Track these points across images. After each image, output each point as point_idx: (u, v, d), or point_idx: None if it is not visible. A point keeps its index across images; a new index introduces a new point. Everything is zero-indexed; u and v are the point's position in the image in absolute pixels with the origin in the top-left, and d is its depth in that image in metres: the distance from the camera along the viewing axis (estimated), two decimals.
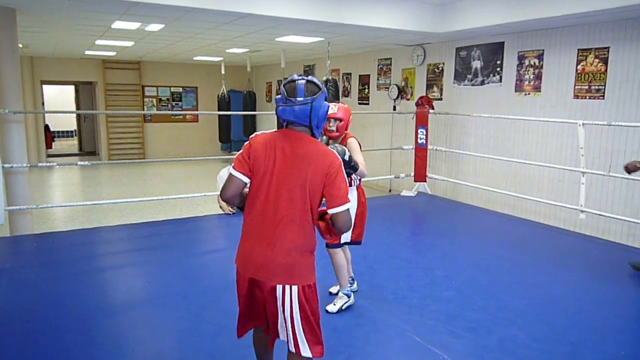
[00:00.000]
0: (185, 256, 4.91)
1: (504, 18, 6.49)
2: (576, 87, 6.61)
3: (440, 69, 8.84)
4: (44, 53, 12.48)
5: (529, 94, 7.27)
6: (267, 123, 13.73)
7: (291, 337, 2.22)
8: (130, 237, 5.74)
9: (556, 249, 5.32)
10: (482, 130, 8.06)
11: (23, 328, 3.33)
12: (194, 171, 12.77)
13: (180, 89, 15.54)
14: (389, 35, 7.95)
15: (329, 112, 3.44)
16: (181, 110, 15.54)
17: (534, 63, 7.16)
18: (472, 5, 6.88)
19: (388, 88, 10.06)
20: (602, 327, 3.53)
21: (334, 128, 3.53)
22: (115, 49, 11.15)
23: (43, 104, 14.53)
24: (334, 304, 3.53)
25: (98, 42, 9.73)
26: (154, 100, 15.18)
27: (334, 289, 3.87)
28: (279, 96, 2.25)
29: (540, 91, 7.11)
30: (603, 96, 6.27)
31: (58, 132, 20.10)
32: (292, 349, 2.25)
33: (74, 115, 18.65)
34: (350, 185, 3.52)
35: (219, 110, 12.46)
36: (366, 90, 10.86)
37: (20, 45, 9.50)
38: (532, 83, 7.21)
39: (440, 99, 8.81)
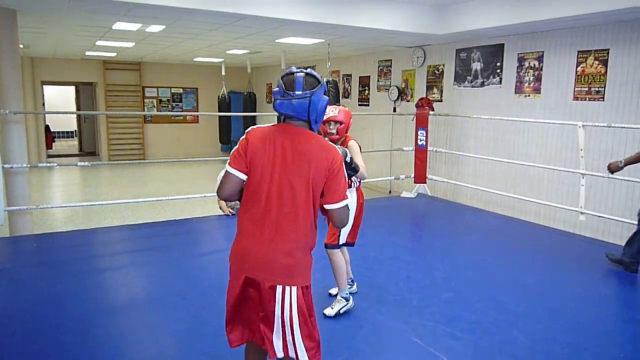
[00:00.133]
0: (184, 257, 4.91)
1: (504, 20, 6.50)
2: (576, 88, 6.62)
3: (441, 70, 8.85)
4: (45, 54, 12.50)
5: (528, 95, 7.28)
6: (265, 121, 13.72)
7: (290, 342, 2.14)
8: (130, 237, 5.74)
9: (556, 251, 5.32)
10: (482, 131, 8.06)
11: (23, 328, 3.33)
12: (194, 172, 12.78)
13: (181, 90, 15.56)
14: (389, 37, 7.96)
15: (329, 115, 3.42)
16: (181, 111, 15.55)
17: (534, 65, 7.16)
18: (472, 7, 6.89)
19: (388, 89, 10.07)
20: (601, 329, 3.53)
21: (334, 131, 3.49)
22: (115, 49, 11.16)
23: (43, 104, 14.54)
24: (332, 308, 3.49)
25: (99, 42, 9.75)
26: (155, 101, 15.19)
27: (333, 290, 3.87)
28: (277, 89, 2.16)
29: (540, 93, 7.11)
30: (603, 98, 6.28)
31: (58, 132, 20.10)
32: (291, 355, 2.16)
33: (75, 115, 18.66)
34: (350, 186, 3.51)
35: (219, 111, 12.48)
36: (366, 92, 10.87)
37: (21, 46, 9.51)
38: (532, 85, 7.22)
39: (440, 101, 8.82)
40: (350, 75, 11.40)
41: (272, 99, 2.20)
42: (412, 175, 7.99)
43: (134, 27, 7.53)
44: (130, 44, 9.98)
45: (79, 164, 6.43)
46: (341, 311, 3.48)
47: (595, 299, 4.17)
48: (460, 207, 7.58)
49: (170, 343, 3.22)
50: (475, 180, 8.10)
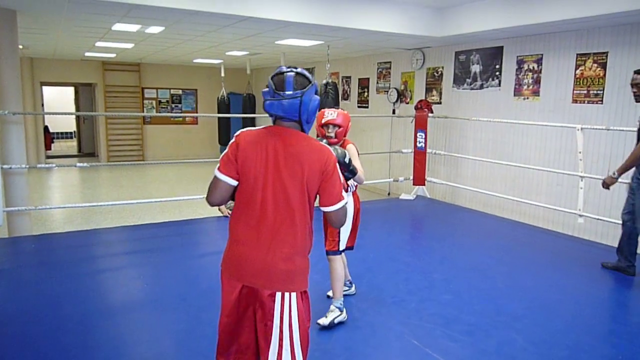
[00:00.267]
0: (184, 258, 4.91)
1: (503, 23, 6.51)
2: (575, 91, 6.63)
3: (440, 72, 8.86)
4: (44, 54, 12.49)
5: (527, 98, 7.29)
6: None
7: (288, 350, 2.05)
8: (129, 239, 5.75)
9: (554, 253, 5.33)
10: (481, 134, 8.07)
11: (22, 329, 3.33)
12: (193, 173, 12.77)
13: (180, 91, 15.55)
14: (388, 39, 7.97)
15: (328, 118, 3.39)
16: (181, 113, 15.55)
17: (533, 67, 7.18)
18: (471, 9, 6.90)
19: (387, 92, 10.08)
20: (600, 331, 3.54)
21: (332, 134, 3.44)
22: (115, 50, 11.16)
23: (43, 105, 14.53)
24: (326, 317, 3.39)
25: (98, 44, 9.75)
26: (154, 102, 15.19)
27: (332, 293, 3.87)
28: (267, 89, 2.09)
29: (539, 95, 7.12)
30: (601, 101, 6.29)
31: (57, 133, 20.10)
32: None
33: (74, 116, 18.66)
34: (347, 191, 3.48)
35: (218, 112, 12.47)
36: (365, 94, 10.88)
37: (20, 47, 9.51)
38: (531, 87, 7.23)
39: (440, 103, 8.83)
40: (350, 77, 11.41)
41: (262, 100, 2.12)
42: (411, 177, 8.00)
43: (133, 28, 7.53)
44: (129, 45, 9.98)
45: (78, 164, 6.43)
46: (335, 321, 3.38)
47: (593, 300, 4.18)
48: (459, 209, 7.59)
49: (169, 344, 3.22)
50: (474, 183, 8.11)
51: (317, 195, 2.11)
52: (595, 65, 6.37)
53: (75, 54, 12.26)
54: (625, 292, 4.34)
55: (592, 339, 3.39)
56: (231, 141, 2.11)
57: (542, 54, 7.05)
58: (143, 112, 14.91)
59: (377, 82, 10.48)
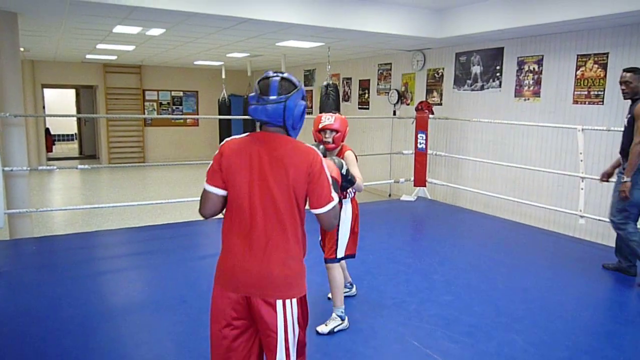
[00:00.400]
0: (184, 260, 4.91)
1: (503, 24, 6.51)
2: (575, 92, 6.63)
3: (440, 74, 8.87)
4: (45, 57, 12.52)
5: (528, 99, 7.29)
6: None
7: (293, 356, 2.03)
8: (129, 240, 5.75)
9: (555, 254, 5.32)
10: (482, 135, 8.07)
11: (22, 331, 3.34)
12: (194, 175, 12.77)
13: (181, 93, 15.57)
14: (388, 40, 7.97)
15: (325, 123, 3.30)
16: (182, 115, 15.57)
17: (534, 68, 7.18)
18: (471, 10, 6.90)
19: (388, 93, 10.08)
20: (600, 332, 3.54)
21: (330, 139, 3.34)
22: (116, 53, 11.18)
23: (44, 107, 14.54)
24: (326, 325, 3.35)
25: (99, 46, 9.77)
26: (155, 104, 15.21)
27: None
28: (253, 94, 2.05)
29: (539, 96, 7.12)
30: (602, 101, 6.29)
31: (58, 135, 20.11)
32: None
33: (75, 118, 18.69)
34: (345, 197, 3.43)
35: (219, 114, 12.48)
36: (366, 95, 10.88)
37: (22, 49, 9.54)
38: (531, 88, 7.23)
39: (440, 104, 8.83)
40: (350, 78, 11.42)
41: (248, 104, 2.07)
42: (412, 178, 8.00)
43: (134, 30, 7.55)
44: (130, 47, 10.00)
45: (79, 166, 6.44)
46: (335, 330, 3.34)
47: (594, 301, 4.18)
48: (460, 211, 7.59)
49: (169, 346, 3.22)
50: (474, 184, 8.11)
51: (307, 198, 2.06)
52: (596, 66, 6.36)
53: (76, 56, 12.29)
54: (626, 293, 4.33)
55: (592, 340, 3.38)
56: (216, 152, 2.08)
57: (542, 55, 7.05)
58: (144, 114, 14.93)
59: (378, 84, 10.49)
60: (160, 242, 5.59)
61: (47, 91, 15.34)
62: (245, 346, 2.06)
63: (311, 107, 13.01)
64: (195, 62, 13.27)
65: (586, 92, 6.49)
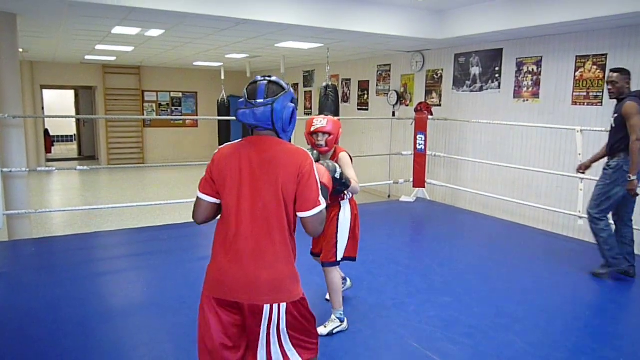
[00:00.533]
0: (184, 261, 4.91)
1: (502, 25, 6.52)
2: (574, 93, 6.63)
3: (439, 75, 8.87)
4: (44, 58, 12.51)
5: (527, 100, 7.29)
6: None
7: (278, 353, 2.02)
8: (129, 242, 5.75)
9: (554, 255, 5.32)
10: (481, 136, 8.08)
11: (21, 332, 3.33)
12: (194, 176, 12.73)
13: (180, 94, 15.58)
14: (388, 41, 7.98)
15: (317, 126, 3.22)
16: (181, 115, 15.57)
17: (533, 69, 7.18)
18: (470, 12, 6.91)
19: (387, 94, 10.09)
20: (600, 333, 3.54)
21: (322, 142, 3.26)
22: (115, 54, 11.18)
23: (43, 108, 14.54)
24: (325, 327, 3.32)
25: (98, 47, 9.76)
26: (154, 105, 15.21)
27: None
28: (242, 99, 2.05)
29: (538, 97, 7.13)
30: (601, 102, 6.30)
31: (58, 136, 20.12)
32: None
33: (74, 119, 18.68)
34: (343, 199, 3.39)
35: (218, 115, 12.49)
36: (365, 96, 10.89)
37: (21, 50, 9.52)
38: (530, 89, 7.24)
39: (439, 105, 8.84)
40: (350, 79, 11.42)
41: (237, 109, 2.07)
42: (411, 179, 8.00)
43: (133, 31, 7.55)
44: (129, 48, 10.00)
45: (78, 168, 6.44)
46: (334, 331, 3.32)
47: (594, 302, 4.18)
48: (459, 212, 7.59)
49: (169, 347, 3.22)
50: (474, 185, 8.11)
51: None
52: (595, 67, 6.37)
53: (76, 57, 12.28)
54: (626, 294, 4.34)
55: (592, 341, 3.38)
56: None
57: (541, 56, 7.06)
58: (143, 115, 14.93)
59: (377, 85, 10.49)
60: (160, 243, 5.58)
61: (46, 92, 15.33)
62: (237, 353, 2.05)
63: (310, 108, 13.02)
64: (195, 63, 13.28)
65: (585, 93, 6.50)
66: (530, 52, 7.21)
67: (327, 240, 3.36)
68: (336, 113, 8.29)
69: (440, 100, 8.87)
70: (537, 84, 7.14)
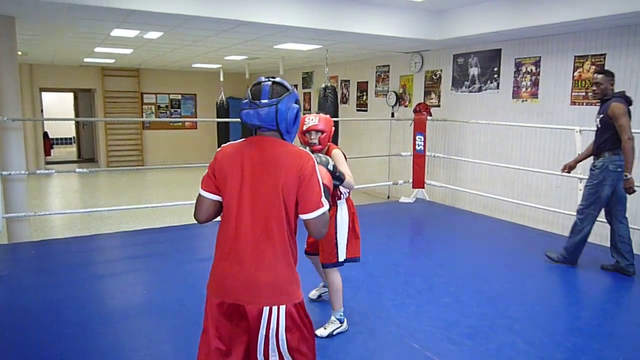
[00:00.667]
0: (183, 263, 4.91)
1: (501, 25, 6.53)
2: (573, 93, 6.64)
3: (438, 75, 8.88)
4: (43, 60, 12.51)
5: (526, 100, 7.30)
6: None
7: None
8: (128, 244, 5.74)
9: None
10: (480, 136, 8.08)
11: (21, 335, 3.33)
12: (193, 178, 12.73)
13: (179, 96, 15.58)
14: (386, 42, 7.99)
15: (309, 125, 3.21)
16: (180, 118, 15.57)
17: (531, 70, 7.19)
18: (469, 12, 6.92)
19: (386, 95, 10.09)
20: (600, 333, 3.53)
21: (315, 140, 3.25)
22: (114, 56, 11.18)
23: (42, 111, 14.54)
24: (325, 328, 3.30)
25: (97, 49, 9.77)
26: (153, 107, 15.21)
27: (314, 294, 3.82)
28: (245, 100, 2.05)
29: (537, 98, 7.14)
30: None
31: (57, 139, 20.12)
32: None
33: (73, 122, 18.67)
34: (340, 198, 3.36)
35: (217, 117, 12.48)
36: (364, 97, 10.89)
37: (19, 53, 9.52)
38: (529, 90, 7.24)
39: (438, 106, 8.84)
40: (349, 80, 11.43)
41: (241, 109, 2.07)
42: (411, 180, 8.00)
43: (132, 34, 7.55)
44: (128, 51, 10.00)
45: (78, 170, 6.43)
46: (334, 333, 3.31)
47: (594, 302, 4.18)
48: (459, 212, 7.59)
49: (168, 349, 3.22)
50: (473, 185, 8.11)
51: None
52: (593, 67, 6.38)
53: (74, 60, 12.29)
54: (626, 294, 4.34)
55: (592, 341, 3.38)
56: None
57: (540, 57, 7.07)
58: (142, 117, 14.92)
59: (376, 86, 10.50)
60: (159, 245, 5.58)
61: (45, 95, 15.33)
62: (238, 356, 2.04)
63: (309, 110, 13.02)
64: (193, 65, 13.28)
65: (583, 93, 6.50)
66: (529, 53, 7.22)
67: (326, 241, 3.32)
68: (335, 114, 8.29)
69: (439, 101, 8.87)
70: (535, 84, 7.15)
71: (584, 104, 6.50)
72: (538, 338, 3.36)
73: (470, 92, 8.22)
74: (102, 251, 5.47)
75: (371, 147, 10.55)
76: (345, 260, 3.36)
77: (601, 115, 4.49)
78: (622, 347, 3.32)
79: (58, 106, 18.62)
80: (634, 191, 4.40)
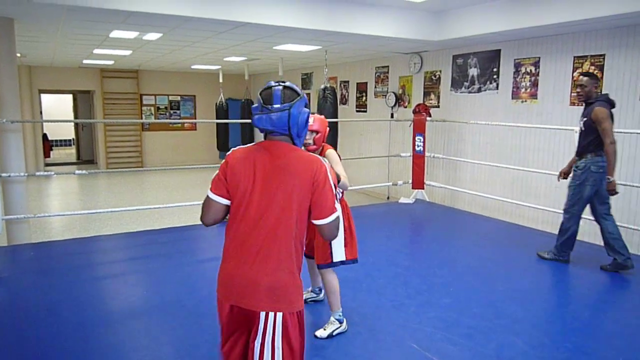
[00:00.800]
0: (183, 264, 4.90)
1: (500, 26, 6.53)
2: (572, 93, 6.64)
3: (438, 76, 8.88)
4: (42, 62, 12.51)
5: (525, 101, 7.30)
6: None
7: None
8: (128, 245, 5.74)
9: None
10: (480, 137, 8.08)
11: (21, 337, 3.32)
12: (192, 179, 12.77)
13: (179, 98, 15.58)
14: (386, 43, 7.99)
15: None
16: (179, 119, 15.57)
17: (531, 70, 7.19)
18: (468, 13, 6.92)
19: (385, 96, 10.09)
20: (600, 334, 3.53)
21: (310, 141, 3.26)
22: (113, 57, 11.18)
23: (41, 112, 14.54)
24: (324, 329, 3.31)
25: (96, 51, 9.76)
26: (152, 108, 15.21)
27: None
28: (256, 105, 2.07)
29: (536, 98, 7.14)
30: None
31: (56, 141, 20.11)
32: None
33: (72, 124, 18.67)
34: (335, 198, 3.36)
35: (217, 118, 12.50)
36: (364, 98, 10.89)
37: (18, 55, 9.53)
38: (528, 90, 7.25)
39: (438, 107, 8.84)
40: (348, 81, 11.43)
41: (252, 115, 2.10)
42: (410, 181, 8.00)
43: (131, 35, 7.55)
44: (127, 52, 10.00)
45: (77, 172, 6.44)
46: (334, 333, 3.31)
47: (594, 303, 4.18)
48: (458, 213, 7.59)
49: (168, 350, 3.21)
50: (473, 186, 8.11)
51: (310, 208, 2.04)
52: (593, 67, 6.38)
53: (74, 62, 12.28)
54: (626, 294, 4.34)
55: (592, 342, 3.38)
56: (223, 161, 2.10)
57: (539, 57, 7.07)
58: (142, 118, 14.93)
59: (375, 87, 10.50)
60: (159, 246, 5.58)
61: (44, 96, 15.34)
62: (240, 355, 2.04)
63: None
64: (193, 66, 13.29)
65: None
66: (528, 53, 7.23)
67: (321, 242, 3.32)
68: (334, 115, 8.29)
69: (438, 102, 8.88)
70: (535, 84, 7.15)
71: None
72: (538, 338, 3.36)
73: (470, 92, 8.22)
74: (102, 253, 5.47)
75: (371, 148, 10.55)
76: (343, 263, 3.35)
77: (585, 119, 4.62)
78: (623, 347, 3.31)
79: (57, 108, 18.63)
80: (616, 193, 4.54)
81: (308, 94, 13.07)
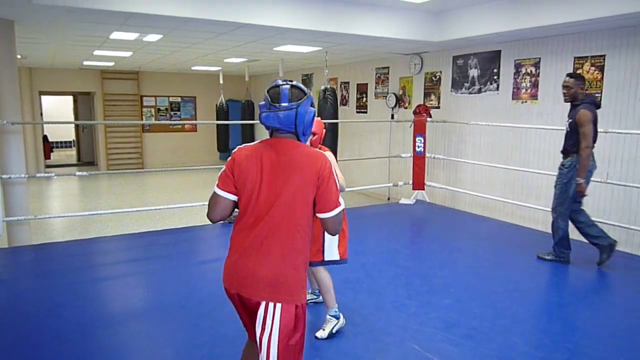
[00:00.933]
0: (183, 266, 4.91)
1: (500, 27, 6.53)
2: None
3: (438, 77, 8.88)
4: (43, 64, 12.52)
5: (526, 101, 7.30)
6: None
7: None
8: (128, 247, 5.74)
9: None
10: (480, 138, 8.08)
11: (21, 338, 3.33)
12: (193, 181, 12.77)
13: (179, 99, 15.59)
14: (386, 44, 7.99)
15: None
16: (180, 120, 15.58)
17: (531, 71, 7.19)
18: (468, 14, 6.92)
19: (386, 96, 10.09)
20: (600, 334, 3.53)
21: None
22: (113, 59, 11.19)
23: (41, 114, 14.55)
24: (323, 329, 3.30)
25: (96, 52, 9.77)
26: (153, 110, 15.22)
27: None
28: (263, 102, 2.12)
29: (537, 99, 7.14)
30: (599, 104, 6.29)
31: (56, 142, 20.13)
32: None
33: (73, 125, 18.68)
34: None
35: (217, 119, 12.50)
36: (364, 99, 10.90)
37: (19, 56, 9.54)
38: (529, 91, 7.25)
39: (438, 107, 8.84)
40: (348, 82, 11.44)
41: (259, 113, 2.15)
42: (411, 181, 8.00)
43: (131, 36, 7.55)
44: (127, 54, 10.01)
45: (77, 173, 6.44)
46: (334, 331, 3.31)
47: (594, 303, 4.17)
48: (459, 213, 7.59)
49: (169, 352, 3.21)
50: (473, 187, 8.11)
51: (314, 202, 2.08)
52: (593, 68, 6.38)
53: (74, 63, 12.29)
54: (626, 294, 4.33)
55: (593, 342, 3.38)
56: (229, 158, 2.14)
57: (539, 58, 7.07)
58: (142, 120, 14.93)
59: (376, 87, 10.50)
60: (159, 248, 5.57)
61: (44, 98, 15.35)
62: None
63: None
64: (193, 68, 13.29)
65: None
66: (529, 54, 7.23)
67: (314, 239, 3.28)
68: (335, 116, 8.30)
69: (438, 103, 8.88)
70: (535, 85, 7.15)
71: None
72: (538, 339, 3.36)
73: (470, 93, 8.22)
74: (102, 254, 5.47)
75: (371, 148, 10.55)
76: (336, 262, 3.35)
77: (570, 120, 4.76)
78: (623, 347, 3.31)
79: (57, 109, 18.64)
80: (584, 195, 4.70)
81: None
